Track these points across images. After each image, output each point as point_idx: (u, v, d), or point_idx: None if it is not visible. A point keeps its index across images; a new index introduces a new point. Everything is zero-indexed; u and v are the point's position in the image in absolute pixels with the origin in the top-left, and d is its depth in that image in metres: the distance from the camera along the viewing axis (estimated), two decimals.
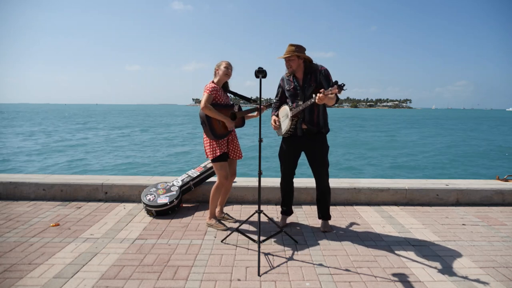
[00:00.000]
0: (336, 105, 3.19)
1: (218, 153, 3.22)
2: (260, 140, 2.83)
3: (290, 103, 3.17)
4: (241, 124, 3.41)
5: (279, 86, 3.32)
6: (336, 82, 2.61)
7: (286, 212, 3.44)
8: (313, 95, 2.82)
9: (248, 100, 3.53)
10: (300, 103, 3.04)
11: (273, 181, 4.21)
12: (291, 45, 3.04)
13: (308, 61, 3.09)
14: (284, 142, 3.27)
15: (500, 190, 4.18)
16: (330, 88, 2.63)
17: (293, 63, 3.05)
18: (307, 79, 3.07)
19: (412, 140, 26.69)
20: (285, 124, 3.14)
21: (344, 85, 2.57)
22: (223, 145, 3.28)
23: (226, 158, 3.31)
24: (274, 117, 3.30)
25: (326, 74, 3.05)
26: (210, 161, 3.30)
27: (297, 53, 3.00)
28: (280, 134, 3.26)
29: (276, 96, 3.36)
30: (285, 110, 3.18)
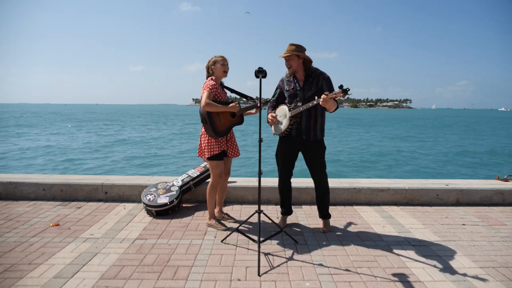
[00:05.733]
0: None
1: (216, 152, 3.20)
2: (260, 140, 2.83)
3: (288, 104, 3.17)
4: (240, 121, 3.39)
5: (278, 87, 3.32)
6: (342, 86, 2.66)
7: (286, 212, 3.44)
8: (316, 97, 2.85)
9: (245, 97, 3.51)
10: (300, 104, 3.05)
11: (273, 181, 4.20)
12: (291, 44, 3.05)
13: (308, 61, 3.10)
14: (280, 143, 3.28)
15: (500, 190, 4.18)
16: (334, 92, 2.69)
17: (293, 62, 3.06)
18: (309, 82, 3.08)
19: (411, 139, 26.74)
20: (283, 124, 3.14)
21: (348, 89, 2.61)
22: (222, 143, 3.27)
23: (223, 156, 3.30)
24: (271, 114, 3.25)
25: (328, 81, 3.08)
26: (206, 158, 3.27)
27: (296, 53, 3.00)
28: (276, 133, 3.25)
29: (273, 96, 3.35)
30: (283, 110, 3.17)
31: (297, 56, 3.04)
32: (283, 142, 3.24)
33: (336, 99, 2.81)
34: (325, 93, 2.74)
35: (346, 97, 2.69)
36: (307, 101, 3.00)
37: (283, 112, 3.17)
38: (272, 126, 3.29)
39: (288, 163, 3.26)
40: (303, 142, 3.13)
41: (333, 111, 2.97)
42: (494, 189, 4.18)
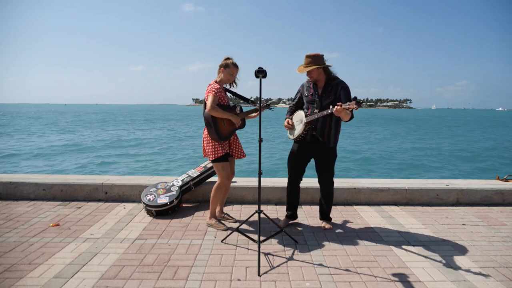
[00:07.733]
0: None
1: (220, 154, 3.21)
2: (260, 140, 2.83)
3: (305, 110, 3.23)
4: (242, 125, 3.40)
5: (298, 92, 3.38)
6: (355, 98, 2.73)
7: (292, 216, 3.46)
8: (330, 106, 2.90)
9: (246, 100, 3.52)
10: (316, 111, 3.10)
11: (273, 181, 4.21)
12: (308, 56, 3.09)
13: (327, 68, 3.15)
14: (294, 147, 3.32)
15: (500, 190, 4.18)
16: (348, 103, 2.75)
17: (313, 73, 3.12)
18: (327, 90, 3.13)
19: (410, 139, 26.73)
20: (298, 129, 3.19)
21: (362, 101, 2.69)
22: (225, 146, 3.27)
23: (228, 158, 3.30)
24: (288, 119, 3.35)
25: (346, 90, 3.12)
26: (211, 161, 3.28)
27: (316, 66, 3.06)
28: (291, 137, 3.31)
29: (293, 100, 3.43)
30: (299, 115, 3.24)
31: (317, 68, 3.09)
32: (297, 145, 3.28)
33: (349, 110, 2.84)
34: (338, 103, 2.79)
35: (358, 109, 2.73)
36: (324, 109, 3.06)
37: (299, 117, 3.23)
38: (288, 131, 3.37)
39: (299, 166, 3.30)
40: (316, 147, 3.18)
41: (348, 121, 3.01)
42: (494, 189, 4.18)
